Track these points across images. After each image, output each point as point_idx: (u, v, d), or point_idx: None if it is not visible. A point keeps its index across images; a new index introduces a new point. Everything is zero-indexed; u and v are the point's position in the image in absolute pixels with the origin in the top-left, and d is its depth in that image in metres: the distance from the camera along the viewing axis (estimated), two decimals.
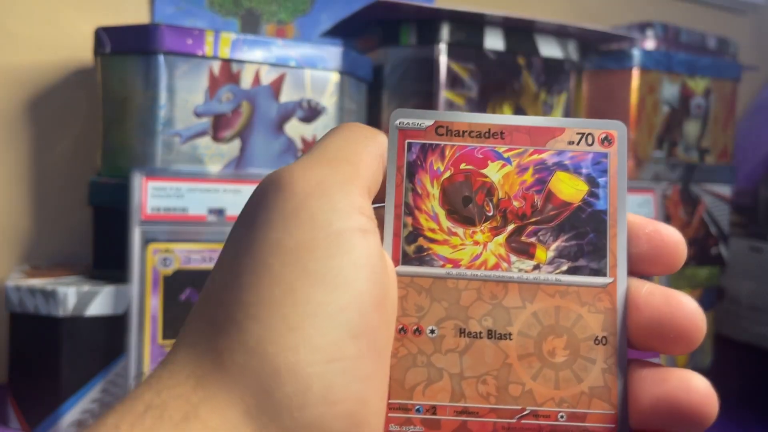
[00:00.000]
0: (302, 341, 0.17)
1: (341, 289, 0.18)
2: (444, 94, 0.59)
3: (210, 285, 0.19)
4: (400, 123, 0.22)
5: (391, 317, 0.20)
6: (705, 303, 0.70)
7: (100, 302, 0.49)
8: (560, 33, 0.63)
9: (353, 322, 0.18)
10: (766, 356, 0.73)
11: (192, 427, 0.16)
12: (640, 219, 0.22)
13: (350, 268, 0.18)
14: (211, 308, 0.19)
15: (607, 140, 0.22)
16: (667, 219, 0.66)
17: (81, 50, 0.62)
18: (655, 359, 0.21)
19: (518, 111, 0.62)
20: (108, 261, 0.52)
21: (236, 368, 0.17)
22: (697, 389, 0.20)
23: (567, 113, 0.65)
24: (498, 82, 0.61)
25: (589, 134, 0.22)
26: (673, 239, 0.21)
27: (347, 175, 0.20)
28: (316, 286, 0.18)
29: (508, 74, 0.61)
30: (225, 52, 0.52)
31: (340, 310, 0.18)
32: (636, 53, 0.65)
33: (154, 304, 0.48)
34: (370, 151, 0.21)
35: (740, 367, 0.73)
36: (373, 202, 0.21)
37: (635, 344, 0.21)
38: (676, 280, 0.66)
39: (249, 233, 0.19)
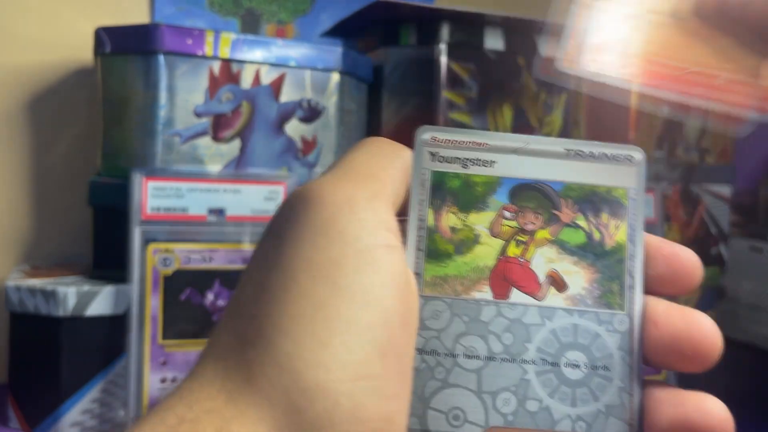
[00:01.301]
0: (332, 358, 0.17)
1: (370, 306, 0.18)
2: (444, 94, 0.58)
3: (238, 298, 0.19)
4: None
5: (414, 335, 0.20)
6: (705, 303, 0.70)
7: (100, 302, 0.48)
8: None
9: (381, 339, 0.18)
10: (766, 356, 0.73)
11: None
12: (657, 240, 0.22)
13: (378, 286, 0.18)
14: (240, 322, 0.19)
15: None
16: (667, 219, 0.66)
17: (81, 50, 0.62)
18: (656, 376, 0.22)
19: (518, 111, 0.62)
20: (108, 261, 0.52)
21: (267, 384, 0.17)
22: (713, 413, 0.20)
23: (567, 113, 0.65)
24: (498, 82, 0.61)
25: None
26: (690, 261, 0.22)
27: (374, 190, 0.20)
28: (345, 302, 0.18)
29: (508, 74, 0.61)
30: (225, 52, 0.52)
31: (368, 327, 0.18)
32: None
33: (154, 304, 0.48)
34: (395, 167, 0.21)
35: (740, 367, 0.73)
36: (397, 216, 0.21)
37: (652, 362, 0.21)
38: None
39: (278, 248, 0.19)
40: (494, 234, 0.22)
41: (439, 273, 0.21)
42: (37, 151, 0.62)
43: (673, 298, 0.22)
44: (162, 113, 0.51)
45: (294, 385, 0.17)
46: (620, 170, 0.22)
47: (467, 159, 0.22)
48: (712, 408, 0.20)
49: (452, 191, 0.22)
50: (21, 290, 0.48)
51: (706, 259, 0.70)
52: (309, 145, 0.56)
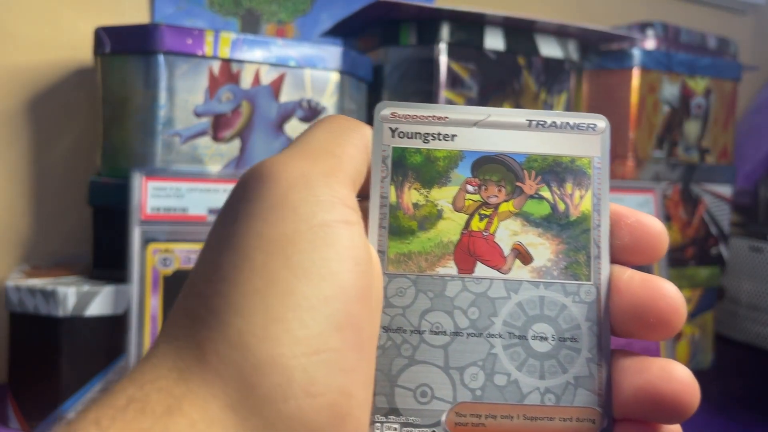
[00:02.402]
0: (284, 333, 0.17)
1: (325, 281, 0.18)
2: (444, 94, 0.58)
3: (192, 278, 0.19)
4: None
5: (376, 309, 0.20)
6: (705, 303, 0.70)
7: (100, 302, 0.48)
8: (560, 33, 0.63)
9: (337, 314, 0.18)
10: (766, 356, 0.73)
11: (174, 421, 0.16)
12: (622, 209, 0.22)
13: (334, 260, 0.18)
14: (192, 301, 0.18)
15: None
16: (667, 219, 0.66)
17: (81, 50, 0.62)
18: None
19: None
20: (108, 261, 0.52)
21: (218, 361, 0.17)
22: (678, 378, 0.20)
23: None
24: (498, 82, 0.61)
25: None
26: (655, 229, 0.21)
27: (330, 166, 0.20)
28: (299, 277, 0.18)
29: (508, 74, 0.61)
30: (225, 52, 0.52)
31: (324, 302, 0.17)
32: (636, 53, 0.65)
33: (154, 304, 0.48)
34: (353, 143, 0.21)
35: (740, 367, 0.73)
36: (358, 195, 0.21)
37: (617, 331, 0.21)
38: (676, 279, 0.66)
39: (231, 226, 0.19)
40: (457, 208, 0.22)
41: (403, 250, 0.21)
42: (37, 151, 0.62)
43: (640, 267, 0.22)
44: (162, 113, 0.51)
45: (245, 361, 0.17)
46: (584, 139, 0.22)
47: (428, 134, 0.22)
48: (677, 373, 0.20)
49: (414, 167, 0.22)
50: (21, 290, 0.48)
51: (706, 259, 0.70)
52: None
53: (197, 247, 0.49)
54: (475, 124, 0.22)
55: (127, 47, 0.51)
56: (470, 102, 0.59)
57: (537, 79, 0.62)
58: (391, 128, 0.22)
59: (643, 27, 0.75)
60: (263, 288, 0.17)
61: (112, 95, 0.52)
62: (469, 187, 0.22)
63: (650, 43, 0.74)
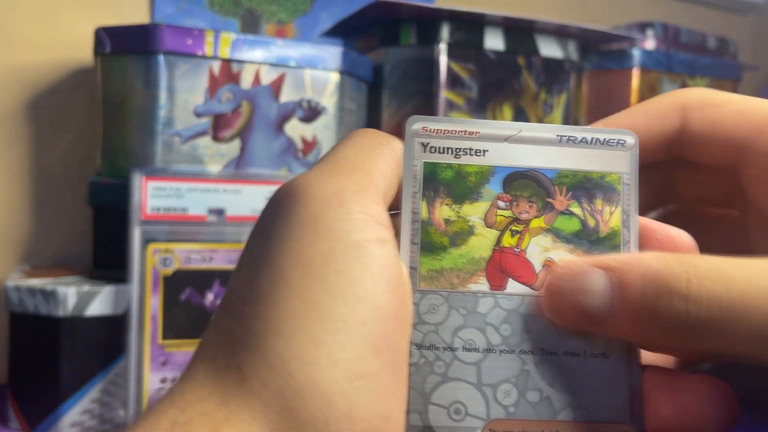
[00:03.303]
0: (325, 357, 0.17)
1: (362, 302, 0.18)
2: (444, 94, 0.58)
3: (228, 298, 0.19)
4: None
5: (407, 329, 0.20)
6: None
7: (100, 302, 0.49)
8: (560, 33, 0.63)
9: (374, 336, 0.18)
10: None
11: None
12: (651, 224, 0.22)
13: (369, 281, 0.18)
14: (230, 322, 0.18)
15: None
16: None
17: (81, 50, 0.62)
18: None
19: (518, 111, 0.62)
20: (108, 261, 0.52)
21: (259, 385, 0.17)
22: (719, 396, 0.20)
23: (567, 113, 0.65)
24: (498, 82, 0.61)
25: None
26: (685, 243, 0.21)
27: (363, 183, 0.19)
28: (336, 299, 0.17)
29: (508, 74, 0.61)
30: (225, 52, 0.52)
31: (361, 324, 0.17)
32: (636, 53, 0.65)
33: (154, 304, 0.48)
34: (384, 158, 0.21)
35: (740, 367, 0.73)
36: (389, 209, 0.21)
37: (648, 347, 0.21)
38: None
39: (265, 245, 0.19)
40: (489, 224, 0.22)
41: (435, 266, 0.21)
42: (37, 151, 0.62)
43: None
44: (162, 113, 0.51)
45: (287, 385, 0.17)
46: (613, 155, 0.22)
47: (459, 149, 0.22)
48: (719, 393, 0.20)
49: (445, 182, 0.22)
50: (21, 290, 0.48)
51: None
52: (309, 145, 0.56)
53: (197, 247, 0.49)
54: (506, 139, 0.22)
55: (127, 47, 0.51)
56: (470, 102, 0.59)
57: (537, 79, 0.62)
58: (422, 143, 0.22)
59: (643, 27, 0.75)
60: (302, 310, 0.17)
61: (112, 95, 0.52)
62: (500, 203, 0.22)
63: (650, 43, 0.74)
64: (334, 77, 0.56)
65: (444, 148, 0.22)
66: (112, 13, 0.64)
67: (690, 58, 0.67)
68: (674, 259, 0.19)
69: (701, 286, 0.18)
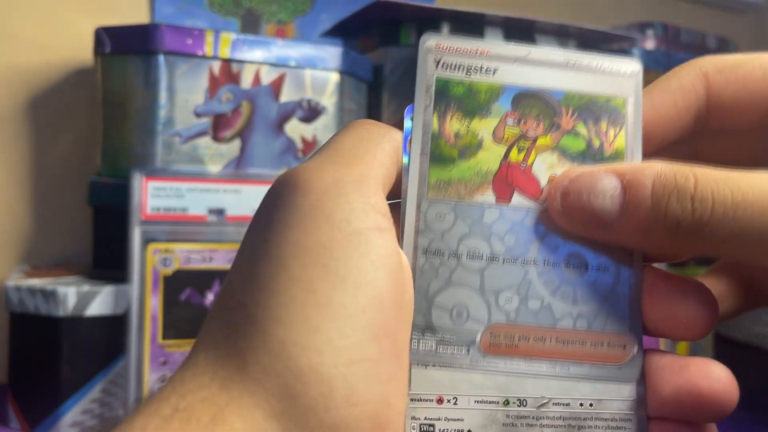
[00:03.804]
0: (325, 343, 0.17)
1: (361, 289, 0.18)
2: None
3: (228, 287, 0.19)
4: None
5: (408, 317, 0.20)
6: None
7: (100, 302, 0.48)
8: (560, 33, 0.63)
9: (374, 322, 0.18)
10: (766, 356, 0.73)
11: (219, 429, 0.16)
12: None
13: (369, 269, 0.18)
14: (230, 310, 0.18)
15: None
16: None
17: (81, 50, 0.62)
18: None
19: None
20: (108, 261, 0.52)
21: (260, 370, 0.17)
22: (719, 377, 0.20)
23: None
24: None
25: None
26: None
27: (361, 173, 0.20)
28: (336, 286, 0.18)
29: None
30: (225, 52, 0.52)
31: (361, 310, 0.18)
32: (636, 53, 0.65)
33: (154, 304, 0.48)
34: (383, 148, 0.21)
35: (740, 367, 0.73)
36: (388, 197, 0.21)
37: (649, 329, 0.22)
38: None
39: (266, 234, 0.19)
40: (497, 140, 0.22)
41: (444, 177, 0.22)
42: (37, 151, 0.62)
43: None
44: (162, 113, 0.51)
45: (288, 370, 0.17)
46: (619, 81, 0.23)
47: (470, 66, 0.22)
48: (717, 372, 0.20)
49: (456, 98, 0.22)
50: (21, 290, 0.48)
51: (706, 259, 0.70)
52: (309, 145, 0.56)
53: (197, 247, 0.49)
54: (516, 60, 0.23)
55: (127, 47, 0.51)
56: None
57: None
58: (435, 59, 0.22)
59: (643, 27, 0.75)
60: (302, 297, 0.18)
61: (112, 95, 0.52)
62: (509, 120, 0.22)
63: (650, 43, 0.74)
64: (334, 77, 0.56)
65: (456, 65, 0.22)
66: (112, 13, 0.64)
67: (690, 58, 0.68)
68: (682, 165, 0.20)
69: (707, 186, 0.19)
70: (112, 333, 0.49)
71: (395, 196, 0.22)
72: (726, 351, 0.74)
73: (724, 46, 0.80)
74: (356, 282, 0.18)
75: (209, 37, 0.52)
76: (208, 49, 0.52)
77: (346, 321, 0.17)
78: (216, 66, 0.52)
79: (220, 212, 0.51)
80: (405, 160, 0.22)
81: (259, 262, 0.18)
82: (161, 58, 0.51)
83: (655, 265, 0.22)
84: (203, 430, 0.16)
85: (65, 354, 0.48)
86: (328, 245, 0.18)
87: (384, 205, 0.20)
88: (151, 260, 0.48)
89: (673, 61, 0.66)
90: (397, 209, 0.21)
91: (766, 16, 1.06)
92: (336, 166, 0.20)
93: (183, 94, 0.51)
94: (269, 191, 0.20)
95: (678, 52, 0.69)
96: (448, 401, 0.21)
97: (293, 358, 0.17)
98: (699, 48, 0.77)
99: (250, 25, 0.71)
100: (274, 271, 0.18)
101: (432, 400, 0.21)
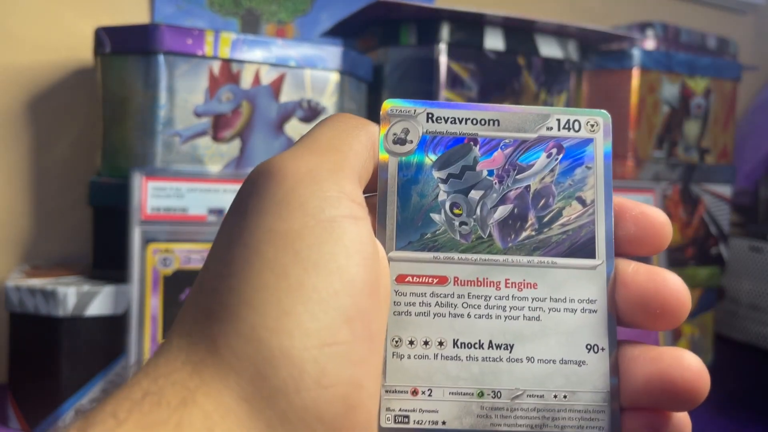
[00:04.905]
0: (296, 326, 0.17)
1: (334, 274, 0.18)
2: (444, 94, 0.58)
3: (203, 274, 0.19)
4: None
5: (384, 303, 0.20)
6: (705, 303, 0.70)
7: (100, 302, 0.49)
8: (560, 33, 0.63)
9: (346, 306, 0.18)
10: (766, 356, 0.73)
11: (189, 412, 0.16)
12: (627, 202, 0.23)
13: (342, 255, 0.18)
14: (204, 296, 0.19)
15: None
16: None
17: (81, 50, 0.62)
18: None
19: None
20: (108, 261, 0.52)
21: (231, 354, 0.17)
22: (690, 366, 0.20)
23: None
24: (498, 82, 0.61)
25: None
26: (659, 220, 0.22)
27: (337, 163, 0.20)
28: (308, 271, 0.18)
29: (508, 74, 0.61)
30: (225, 52, 0.52)
31: (333, 295, 0.18)
32: (636, 53, 0.65)
33: (154, 304, 0.48)
34: (360, 141, 0.21)
35: (740, 367, 0.73)
36: (365, 191, 0.21)
37: (623, 321, 0.22)
38: None
39: (240, 221, 0.19)
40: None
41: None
42: (37, 151, 0.62)
43: (641, 259, 0.22)
44: (162, 113, 0.51)
45: (258, 353, 0.17)
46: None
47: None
48: (688, 362, 0.20)
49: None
50: (21, 290, 0.48)
51: (706, 259, 0.70)
52: None
53: (197, 247, 0.49)
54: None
55: (127, 47, 0.51)
56: (470, 102, 0.59)
57: (537, 79, 0.62)
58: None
59: (643, 27, 0.75)
60: (274, 282, 0.18)
61: (112, 95, 0.52)
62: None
63: (650, 43, 0.74)
64: (334, 77, 0.56)
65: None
66: (112, 13, 0.64)
67: (690, 58, 0.68)
68: None
69: None
70: (112, 333, 0.49)
71: (371, 190, 0.22)
72: (726, 351, 0.74)
73: (724, 46, 0.80)
74: (328, 267, 0.18)
75: (209, 37, 0.52)
76: (208, 49, 0.52)
77: (318, 305, 0.18)
78: (216, 66, 0.52)
79: (220, 212, 0.51)
80: (381, 153, 0.22)
81: (233, 248, 0.19)
82: (161, 58, 0.51)
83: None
84: (173, 412, 0.16)
85: (65, 354, 0.48)
86: (302, 232, 0.18)
87: (359, 195, 0.20)
88: (151, 260, 0.48)
89: (673, 61, 0.66)
90: (373, 202, 0.22)
91: (766, 16, 1.06)
92: (312, 156, 0.20)
93: (183, 94, 0.51)
94: (246, 180, 0.20)
95: (678, 52, 0.69)
96: (423, 393, 0.21)
97: (264, 341, 0.17)
98: (699, 48, 0.77)
99: (250, 25, 0.71)
100: (247, 257, 0.18)
101: (407, 392, 0.21)
